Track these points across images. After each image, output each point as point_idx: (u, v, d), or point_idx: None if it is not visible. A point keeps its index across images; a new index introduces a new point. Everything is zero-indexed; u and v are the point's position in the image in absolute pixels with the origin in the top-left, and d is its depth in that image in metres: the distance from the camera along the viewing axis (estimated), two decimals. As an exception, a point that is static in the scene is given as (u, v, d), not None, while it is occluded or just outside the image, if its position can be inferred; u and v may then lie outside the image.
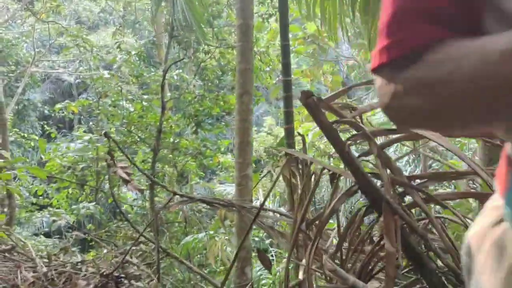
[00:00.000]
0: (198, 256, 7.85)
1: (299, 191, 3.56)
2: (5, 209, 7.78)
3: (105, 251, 3.97)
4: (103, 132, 5.28)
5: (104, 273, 3.30)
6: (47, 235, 11.94)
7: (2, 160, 4.78)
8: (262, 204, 2.58)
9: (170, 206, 3.12)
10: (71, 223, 8.68)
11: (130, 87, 10.85)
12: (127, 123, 9.89)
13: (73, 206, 8.86)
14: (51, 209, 9.63)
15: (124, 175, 3.20)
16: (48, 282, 3.36)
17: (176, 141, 9.72)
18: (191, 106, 9.52)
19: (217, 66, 8.80)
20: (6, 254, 3.67)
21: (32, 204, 11.40)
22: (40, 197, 11.27)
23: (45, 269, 3.48)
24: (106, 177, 10.59)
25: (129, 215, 11.25)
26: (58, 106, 10.24)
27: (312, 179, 2.89)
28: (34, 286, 3.37)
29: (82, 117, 17.60)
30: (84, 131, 11.17)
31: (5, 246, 3.86)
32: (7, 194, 6.98)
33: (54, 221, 7.99)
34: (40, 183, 11.39)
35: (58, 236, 11.57)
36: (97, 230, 10.37)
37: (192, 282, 5.63)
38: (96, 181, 10.39)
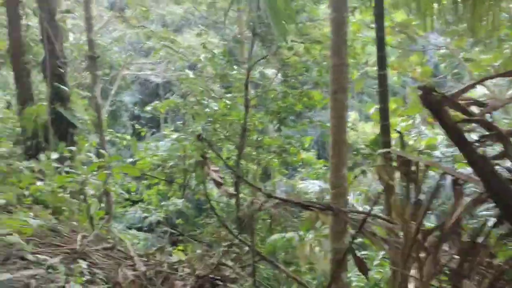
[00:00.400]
0: (283, 253, 7.77)
1: (398, 193, 3.29)
2: (102, 205, 8.25)
3: (198, 251, 3.99)
4: (197, 134, 5.33)
5: (200, 275, 3.29)
6: (139, 229, 12.55)
7: (102, 159, 5.00)
8: (370, 210, 2.38)
9: (265, 208, 3.02)
10: (161, 219, 8.99)
11: (213, 86, 11.03)
12: (212, 122, 10.06)
13: (163, 203, 9.16)
14: (142, 205, 10.06)
15: (218, 178, 3.15)
16: (147, 281, 3.41)
17: (259, 139, 9.70)
18: (274, 103, 9.44)
19: (301, 62, 8.63)
20: (109, 253, 3.81)
21: (125, 199, 11.98)
22: (132, 193, 11.83)
23: (143, 268, 3.54)
24: (193, 174, 10.90)
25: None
26: (148, 107, 10.66)
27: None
28: (134, 284, 3.43)
29: (168, 116, 18.35)
30: (172, 130, 11.55)
31: (107, 244, 4.02)
32: (105, 192, 7.36)
33: (145, 217, 8.31)
34: (132, 180, 11.93)
35: (149, 229, 12.09)
36: (185, 225, 10.69)
37: (277, 278, 5.54)
38: (183, 178, 10.71)
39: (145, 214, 8.54)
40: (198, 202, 11.57)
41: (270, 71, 10.21)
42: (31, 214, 5.79)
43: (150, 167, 10.62)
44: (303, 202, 2.96)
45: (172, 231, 8.75)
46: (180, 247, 8.30)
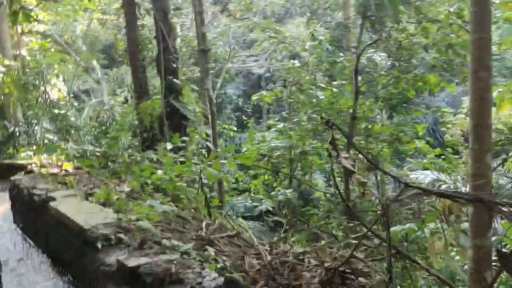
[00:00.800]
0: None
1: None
2: (213, 193, 8.52)
3: (322, 242, 3.85)
4: (325, 119, 5.18)
5: (329, 267, 3.14)
6: (245, 217, 12.81)
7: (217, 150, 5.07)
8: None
9: (402, 199, 2.78)
10: (271, 208, 9.02)
11: (317, 74, 10.81)
12: (318, 111, 9.86)
13: (273, 192, 9.20)
14: (252, 194, 10.21)
15: (349, 166, 2.96)
16: (273, 271, 3.35)
17: (369, 127, 9.31)
18: (384, 89, 8.97)
19: (414, 44, 8.05)
20: (232, 240, 3.83)
21: (233, 189, 12.28)
22: (240, 183, 12.09)
23: (269, 257, 3.49)
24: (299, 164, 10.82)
25: (320, 202, 11.32)
26: (254, 97, 10.76)
27: None
28: (260, 273, 3.39)
29: (271, 107, 18.51)
30: (277, 120, 11.57)
31: (230, 232, 4.06)
32: (218, 181, 7.55)
33: (255, 206, 8.43)
34: (239, 170, 12.18)
35: (256, 218, 12.27)
36: (291, 215, 10.67)
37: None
38: (289, 168, 10.68)
39: (255, 204, 8.64)
40: (303, 192, 11.48)
41: (378, 56, 9.73)
42: (155, 201, 6.13)
43: (256, 157, 10.73)
44: (445, 192, 2.66)
45: (280, 220, 8.75)
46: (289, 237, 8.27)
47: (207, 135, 11.18)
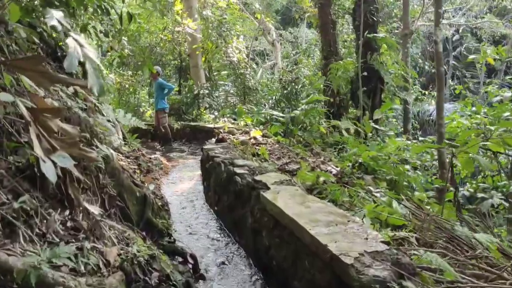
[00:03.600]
0: None
1: None
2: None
3: None
4: None
5: None
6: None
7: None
8: None
9: None
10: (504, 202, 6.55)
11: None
12: None
13: (501, 182, 6.72)
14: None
15: None
16: None
17: None
18: None
19: None
20: None
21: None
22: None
23: None
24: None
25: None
26: (471, 57, 8.14)
27: None
28: None
29: (457, 73, 15.20)
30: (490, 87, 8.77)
31: None
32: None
33: (483, 198, 6.12)
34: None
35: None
36: None
37: None
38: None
39: (482, 194, 6.30)
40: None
41: None
42: (375, 188, 4.41)
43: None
44: None
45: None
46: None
47: (406, 102, 9.00)
